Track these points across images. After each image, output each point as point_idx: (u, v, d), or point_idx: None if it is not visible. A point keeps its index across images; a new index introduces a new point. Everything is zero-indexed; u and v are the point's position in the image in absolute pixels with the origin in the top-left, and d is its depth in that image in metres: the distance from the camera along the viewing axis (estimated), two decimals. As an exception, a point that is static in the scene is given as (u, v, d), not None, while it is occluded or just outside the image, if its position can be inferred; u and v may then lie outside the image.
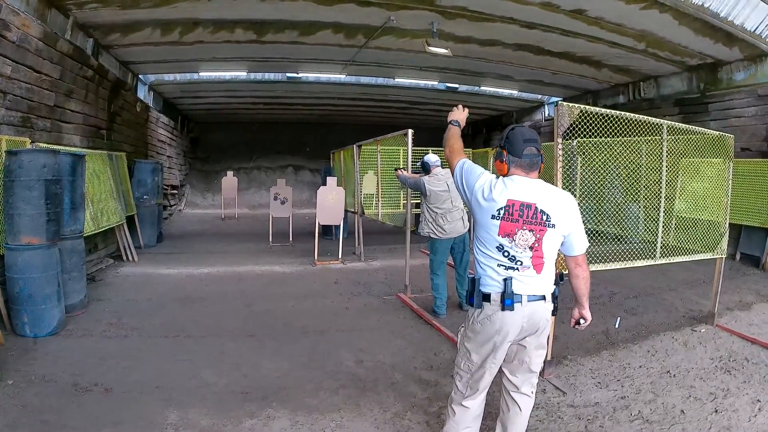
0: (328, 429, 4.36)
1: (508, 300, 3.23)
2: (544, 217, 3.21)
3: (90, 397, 4.79)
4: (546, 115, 20.62)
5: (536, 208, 3.21)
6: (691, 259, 6.85)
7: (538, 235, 3.22)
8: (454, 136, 3.87)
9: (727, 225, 7.14)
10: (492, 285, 3.29)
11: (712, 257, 7.06)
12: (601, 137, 5.66)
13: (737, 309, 8.08)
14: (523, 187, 3.26)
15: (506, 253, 3.25)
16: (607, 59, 13.25)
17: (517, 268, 3.25)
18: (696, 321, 7.44)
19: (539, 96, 19.81)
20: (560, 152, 5.13)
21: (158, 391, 4.99)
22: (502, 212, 3.22)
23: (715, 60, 12.44)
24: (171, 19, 10.66)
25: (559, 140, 5.13)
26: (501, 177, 3.37)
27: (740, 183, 11.08)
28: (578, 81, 16.09)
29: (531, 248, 3.23)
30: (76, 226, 7.63)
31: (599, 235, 6.22)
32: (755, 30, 10.46)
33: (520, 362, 3.48)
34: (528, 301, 3.26)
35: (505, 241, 3.23)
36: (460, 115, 4.03)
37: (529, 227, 3.20)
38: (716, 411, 4.69)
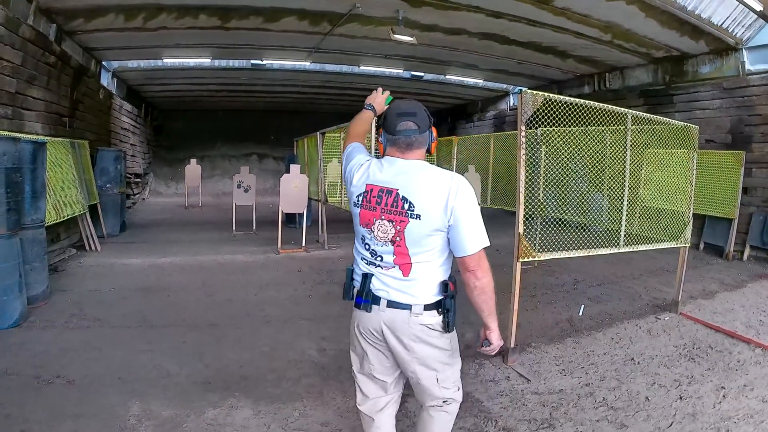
0: (291, 418, 4.33)
1: (360, 298, 2.86)
2: (406, 206, 2.69)
3: (52, 390, 4.71)
4: (511, 104, 20.75)
5: (397, 194, 2.71)
6: (654, 248, 6.92)
7: (398, 227, 2.71)
8: (359, 119, 3.44)
9: (690, 214, 7.22)
10: (356, 280, 2.94)
11: (675, 246, 7.14)
12: (566, 126, 5.67)
13: (701, 297, 8.17)
14: (391, 170, 2.80)
15: (367, 246, 2.85)
16: (572, 50, 13.32)
17: (379, 265, 2.81)
18: (660, 309, 7.51)
19: (504, 85, 19.98)
20: (523, 140, 5.13)
21: (120, 382, 4.90)
22: (360, 199, 2.83)
23: (681, 53, 12.59)
24: (134, 4, 10.46)
25: (523, 128, 5.12)
26: (377, 159, 2.97)
27: (704, 174, 11.26)
28: (543, 71, 16.20)
29: (392, 242, 2.74)
30: (37, 215, 7.43)
31: (563, 223, 6.25)
32: (722, 24, 10.63)
33: (412, 374, 2.97)
34: (387, 306, 2.79)
35: (365, 233, 2.83)
36: (376, 99, 3.51)
37: (388, 217, 2.73)
38: (681, 398, 4.73)
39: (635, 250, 6.69)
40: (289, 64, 16.84)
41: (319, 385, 5.00)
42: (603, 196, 7.70)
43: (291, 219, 14.51)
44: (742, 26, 10.97)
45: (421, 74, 18.47)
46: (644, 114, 6.64)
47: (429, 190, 2.66)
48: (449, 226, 2.67)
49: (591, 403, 4.65)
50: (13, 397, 4.49)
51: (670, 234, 7.06)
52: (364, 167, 2.89)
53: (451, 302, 2.78)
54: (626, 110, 6.32)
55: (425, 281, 2.75)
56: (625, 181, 6.60)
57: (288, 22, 11.84)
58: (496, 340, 2.89)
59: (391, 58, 15.93)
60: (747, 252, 11.28)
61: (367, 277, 2.82)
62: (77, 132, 12.42)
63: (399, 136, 2.76)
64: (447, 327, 2.81)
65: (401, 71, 18.03)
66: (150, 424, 4.14)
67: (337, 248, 12.04)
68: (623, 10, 9.99)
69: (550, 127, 5.61)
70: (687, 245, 7.22)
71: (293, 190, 11.50)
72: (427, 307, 2.76)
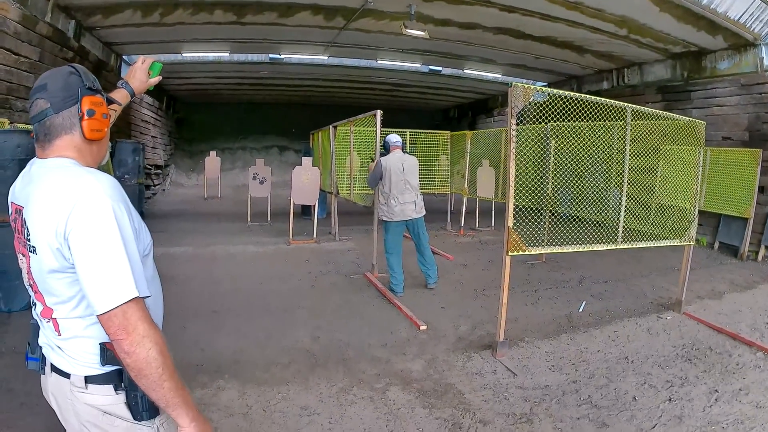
0: (273, 400, 4.47)
1: (27, 353, 2.08)
2: (26, 232, 1.82)
3: (53, 368, 4.96)
4: (531, 100, 20.40)
5: (23, 215, 1.85)
6: (656, 245, 6.84)
7: (27, 265, 1.88)
8: None
9: (696, 212, 7.10)
10: None
11: (680, 244, 7.03)
12: (569, 121, 5.66)
13: (708, 298, 8.03)
14: (26, 177, 2.00)
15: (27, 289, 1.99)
16: (589, 45, 13.21)
17: (40, 316, 1.95)
18: (663, 308, 7.40)
19: (524, 80, 19.54)
20: (513, 134, 5.11)
21: (116, 362, 5.02)
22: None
23: (699, 48, 12.39)
24: (151, 0, 10.69)
25: (513, 122, 5.11)
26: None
27: (720, 172, 11.18)
28: (562, 66, 16.06)
29: (31, 286, 1.92)
30: (48, 204, 7.56)
31: (572, 219, 6.20)
32: (739, 19, 10.43)
33: None
34: (51, 370, 1.92)
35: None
36: (134, 74, 2.54)
37: (20, 249, 1.91)
38: (670, 399, 4.67)
39: (635, 246, 6.61)
40: (307, 58, 16.90)
41: (306, 371, 5.12)
42: (610, 191, 7.63)
43: (307, 211, 14.63)
44: (760, 21, 10.74)
45: (439, 69, 18.41)
46: (645, 108, 6.56)
47: (44, 208, 1.74)
48: (70, 263, 1.71)
49: (575, 400, 4.63)
50: (18, 374, 4.69)
51: (675, 231, 6.96)
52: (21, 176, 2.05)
53: (130, 380, 1.77)
54: (626, 104, 6.24)
55: (81, 342, 1.84)
56: (623, 176, 6.52)
57: (302, 17, 11.93)
58: None
59: (408, 53, 15.92)
60: (762, 252, 11.07)
61: (33, 327, 2.07)
62: (96, 124, 12.65)
63: (34, 125, 1.92)
64: (136, 414, 1.84)
65: (419, 65, 17.94)
66: (137, 400, 4.26)
67: (348, 240, 12.11)
68: (637, 3, 9.90)
69: (553, 122, 5.62)
70: (692, 243, 7.10)
71: (304, 182, 11.62)
72: (91, 380, 1.82)
